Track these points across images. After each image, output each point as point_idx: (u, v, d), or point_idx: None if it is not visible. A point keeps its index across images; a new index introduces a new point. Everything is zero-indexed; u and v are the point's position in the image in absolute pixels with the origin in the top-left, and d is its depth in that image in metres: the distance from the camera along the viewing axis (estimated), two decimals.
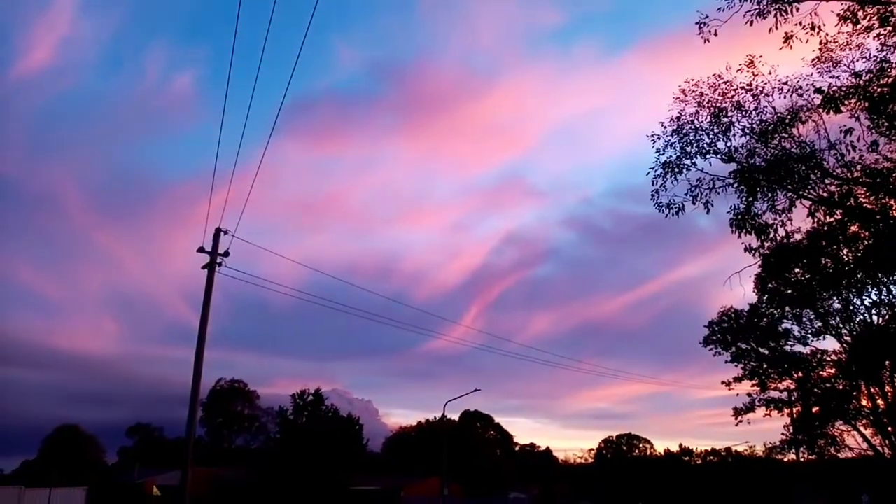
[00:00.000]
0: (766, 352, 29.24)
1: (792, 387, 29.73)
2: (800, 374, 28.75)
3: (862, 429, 27.53)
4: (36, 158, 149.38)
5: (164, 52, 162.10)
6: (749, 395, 30.54)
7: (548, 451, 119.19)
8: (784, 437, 31.75)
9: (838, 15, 13.84)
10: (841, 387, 27.81)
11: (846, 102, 14.94)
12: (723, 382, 31.29)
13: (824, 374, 28.59)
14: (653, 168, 16.16)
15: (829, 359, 27.64)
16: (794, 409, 30.80)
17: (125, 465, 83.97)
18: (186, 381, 21.56)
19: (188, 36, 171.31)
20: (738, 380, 30.54)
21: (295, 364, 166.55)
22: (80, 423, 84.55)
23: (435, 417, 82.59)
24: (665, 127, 16.21)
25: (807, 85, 15.40)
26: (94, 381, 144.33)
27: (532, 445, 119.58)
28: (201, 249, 22.15)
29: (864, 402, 26.98)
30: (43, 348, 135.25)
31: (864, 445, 27.71)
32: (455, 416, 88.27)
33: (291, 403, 59.70)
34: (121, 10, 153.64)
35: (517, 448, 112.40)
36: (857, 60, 14.84)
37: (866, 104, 14.67)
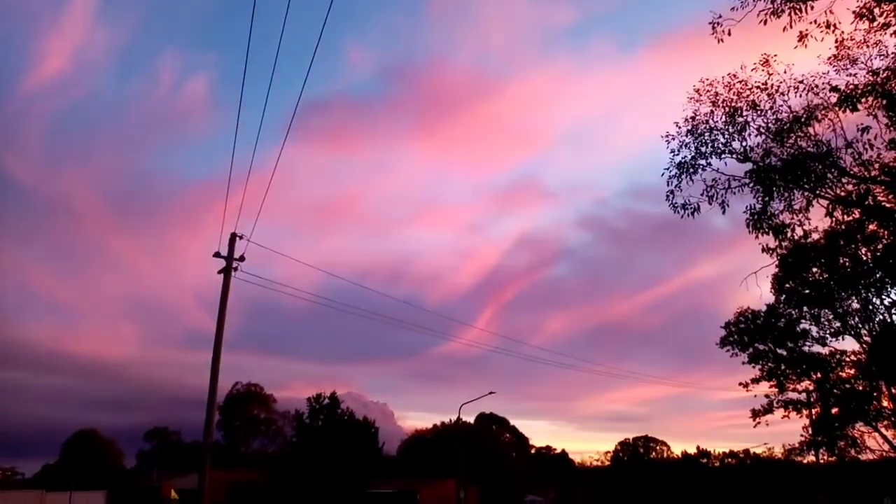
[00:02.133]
0: (784, 352, 28.96)
1: (811, 388, 29.43)
2: (818, 375, 28.45)
3: (883, 430, 27.21)
4: (52, 166, 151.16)
5: (178, 58, 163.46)
6: (767, 396, 30.30)
7: (564, 453, 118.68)
8: (803, 439, 31.46)
9: (854, 12, 13.70)
10: (861, 387, 27.51)
11: (863, 100, 14.81)
12: (740, 384, 31.06)
13: (844, 374, 28.29)
14: (667, 168, 16.10)
15: (848, 359, 27.36)
16: (814, 411, 30.48)
17: (143, 469, 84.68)
18: (203, 385, 21.76)
19: (200, 41, 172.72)
20: (755, 381, 30.30)
21: (310, 367, 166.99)
22: (99, 427, 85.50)
23: (450, 420, 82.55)
24: (680, 127, 16.15)
25: (823, 83, 15.28)
26: (111, 385, 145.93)
27: (548, 448, 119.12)
28: (217, 254, 22.34)
29: (885, 403, 26.66)
30: (61, 353, 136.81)
31: (886, 447, 27.39)
32: (471, 419, 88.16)
33: (307, 407, 59.91)
34: (134, 16, 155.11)
35: (533, 451, 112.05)
36: (875, 58, 14.70)
37: (884, 102, 14.53)
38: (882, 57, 14.57)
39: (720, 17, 13.70)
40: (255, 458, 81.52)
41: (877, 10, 13.79)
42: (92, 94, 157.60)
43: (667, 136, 16.24)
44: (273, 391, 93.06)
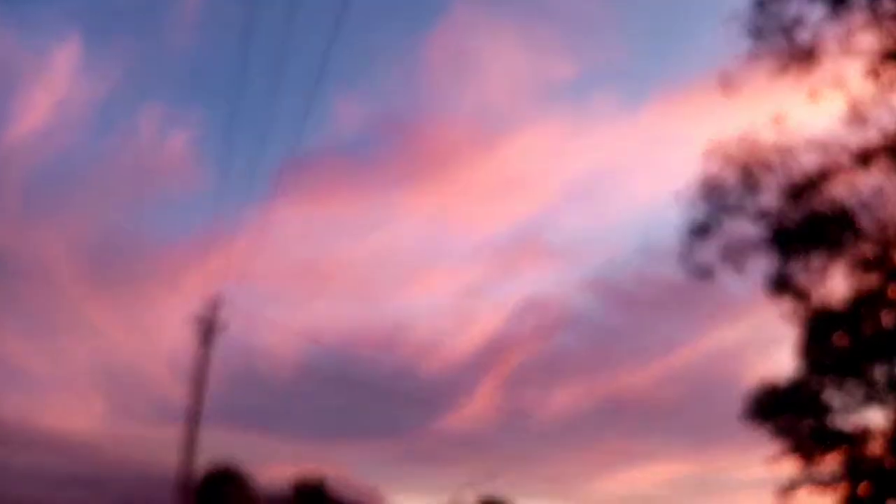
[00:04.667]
0: (810, 426, 27.84)
1: (838, 464, 28.12)
2: (846, 450, 27.21)
3: None
4: (27, 225, 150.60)
5: (159, 112, 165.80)
6: (792, 473, 28.99)
7: None
8: None
9: (863, 71, 13.70)
10: (890, 465, 26.24)
11: (876, 160, 14.63)
12: (764, 460, 29.80)
13: (871, 449, 27.06)
14: (679, 230, 15.82)
15: (876, 432, 26.21)
16: (841, 487, 29.04)
17: None
18: (176, 463, 20.55)
19: (183, 96, 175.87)
20: (778, 457, 29.09)
21: (295, 444, 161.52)
22: None
23: None
24: (691, 187, 15.96)
25: (835, 143, 15.13)
26: (80, 463, 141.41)
27: None
28: (196, 319, 21.64)
29: None
30: (28, 428, 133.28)
31: None
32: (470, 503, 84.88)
33: (293, 493, 58.05)
34: (118, 69, 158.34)
35: None
36: (885, 117, 14.60)
37: None
38: (892, 117, 14.46)
39: (728, 73, 13.71)
40: None
41: (880, 69, 13.79)
42: (70, 148, 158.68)
43: (677, 196, 16.05)
44: (254, 470, 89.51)
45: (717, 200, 15.65)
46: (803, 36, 13.40)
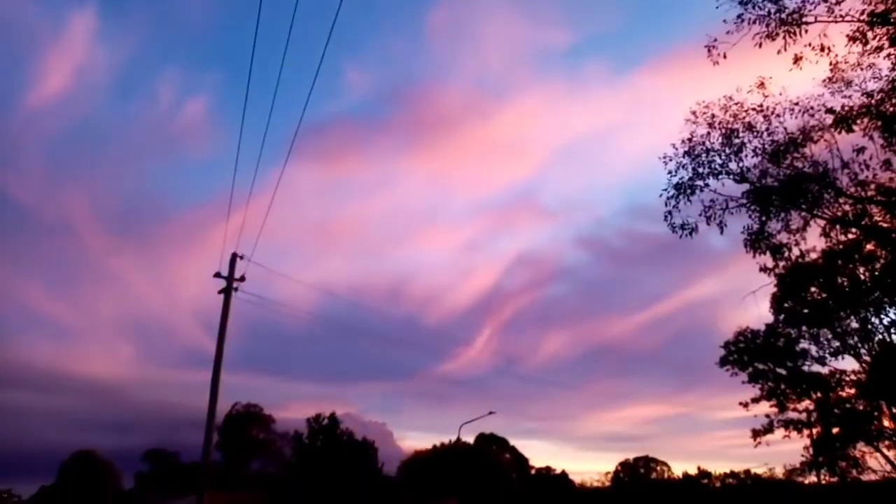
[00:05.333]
0: (784, 372, 28.87)
1: (811, 407, 29.30)
2: (819, 395, 28.35)
3: (885, 450, 27.05)
4: (51, 185, 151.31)
5: (177, 78, 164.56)
6: (767, 416, 30.17)
7: (564, 474, 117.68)
8: (804, 460, 31.26)
9: (848, 35, 13.93)
10: (861, 407, 27.38)
11: (858, 122, 14.99)
12: (740, 403, 30.92)
13: (844, 394, 28.17)
14: (665, 189, 16.25)
15: (848, 379, 27.27)
16: (814, 431, 30.31)
17: (142, 491, 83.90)
18: (202, 406, 21.69)
19: (200, 61, 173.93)
20: (755, 400, 30.16)
21: (309, 388, 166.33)
22: (97, 448, 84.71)
23: (450, 441, 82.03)
24: (677, 149, 16.33)
25: (818, 105, 15.49)
26: (110, 406, 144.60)
27: (548, 468, 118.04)
28: (218, 274, 22.43)
29: (886, 423, 26.54)
30: (58, 374, 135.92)
31: (888, 468, 27.22)
32: (470, 439, 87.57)
33: (307, 428, 59.68)
34: (134, 35, 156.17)
35: (533, 471, 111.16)
36: (869, 80, 14.89)
37: (879, 123, 14.71)
38: (876, 79, 14.76)
39: (716, 40, 13.93)
40: (254, 479, 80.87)
41: (870, 34, 14.01)
42: (91, 113, 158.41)
43: (664, 157, 16.42)
44: (272, 411, 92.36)
45: (701, 161, 16.02)
46: (791, 2, 13.56)
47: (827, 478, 32.66)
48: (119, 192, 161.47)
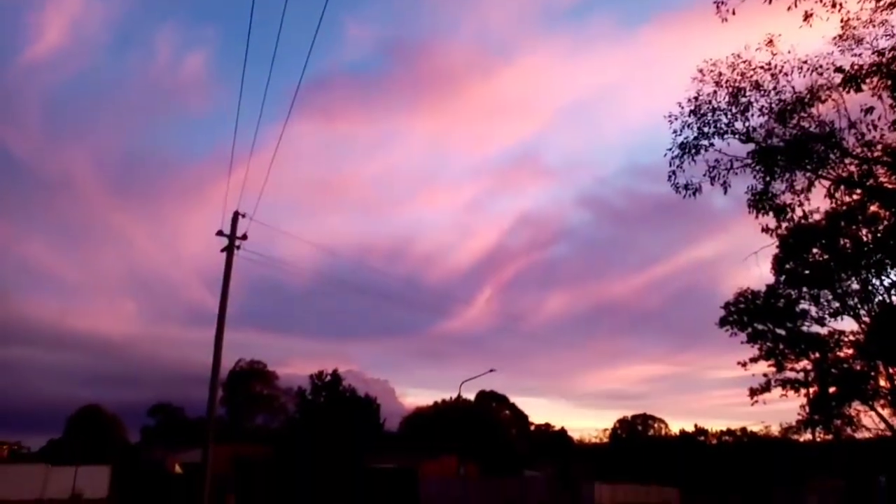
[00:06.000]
0: (783, 332, 29.11)
1: (809, 367, 29.63)
2: (817, 355, 28.64)
3: (879, 409, 27.43)
4: (51, 141, 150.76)
5: (175, 33, 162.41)
6: (765, 375, 30.51)
7: (563, 430, 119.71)
8: (800, 418, 31.69)
9: None
10: (858, 367, 27.68)
11: (868, 81, 14.76)
12: (739, 363, 31.24)
13: (842, 354, 28.43)
14: (670, 149, 16.12)
15: (846, 339, 27.51)
16: (811, 390, 30.69)
17: (148, 444, 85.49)
18: (206, 362, 22.02)
19: (198, 16, 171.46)
20: (754, 360, 30.47)
21: (312, 345, 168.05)
22: (103, 403, 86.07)
23: (451, 397, 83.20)
24: (682, 107, 16.14)
25: (827, 63, 15.22)
26: (115, 361, 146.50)
27: (547, 425, 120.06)
28: (220, 233, 22.46)
29: (881, 383, 26.85)
30: (64, 330, 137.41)
31: (882, 426, 27.65)
32: (471, 396, 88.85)
33: (310, 384, 60.48)
34: None
35: (532, 428, 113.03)
36: (881, 38, 14.61)
37: (889, 82, 14.48)
38: (888, 37, 14.48)
39: None
40: (258, 434, 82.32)
41: None
42: (89, 68, 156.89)
43: (669, 116, 16.24)
44: (275, 368, 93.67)
45: (706, 120, 15.86)
46: None
47: (822, 435, 33.20)
48: (119, 148, 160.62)
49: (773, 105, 15.75)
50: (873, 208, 19.09)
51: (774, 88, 15.65)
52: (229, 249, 22.23)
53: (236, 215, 22.32)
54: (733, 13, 13.75)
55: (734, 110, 15.84)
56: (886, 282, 24.35)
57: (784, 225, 17.30)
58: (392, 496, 54.73)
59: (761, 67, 15.57)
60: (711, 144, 15.91)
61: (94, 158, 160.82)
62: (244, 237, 22.54)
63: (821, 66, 15.28)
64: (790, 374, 29.64)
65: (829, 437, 31.44)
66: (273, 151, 19.96)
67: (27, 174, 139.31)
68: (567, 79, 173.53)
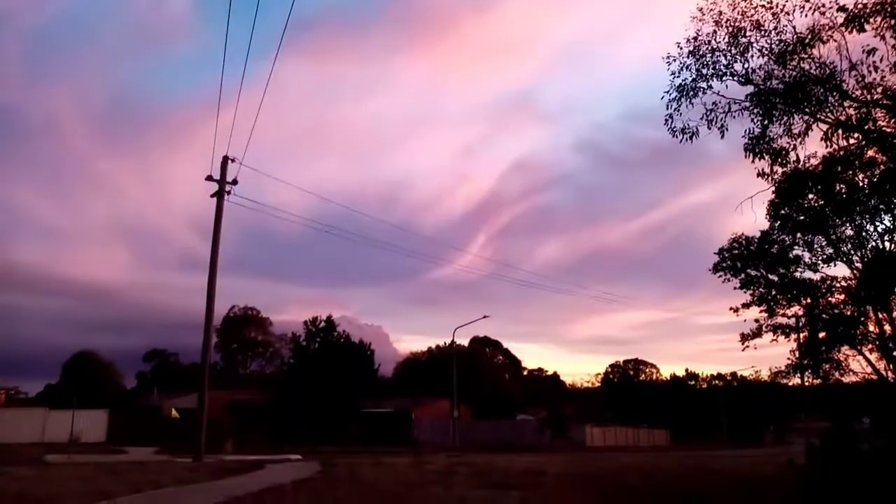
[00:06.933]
0: (776, 278, 29.12)
1: (800, 313, 29.77)
2: (808, 301, 28.72)
3: (867, 353, 27.72)
4: (32, 84, 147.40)
5: None
6: (756, 321, 30.66)
7: (555, 375, 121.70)
8: (790, 362, 31.98)
9: None
10: (849, 312, 27.84)
11: (871, 20, 14.37)
12: (731, 308, 31.34)
13: (833, 300, 28.55)
14: (667, 91, 15.77)
15: (838, 285, 27.57)
16: (801, 335, 30.92)
17: (143, 389, 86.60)
18: (200, 308, 21.96)
19: None
20: (746, 306, 30.55)
21: (305, 291, 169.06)
22: (98, 349, 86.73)
23: (445, 343, 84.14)
24: (681, 48, 15.73)
25: (830, 2, 14.76)
26: (108, 308, 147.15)
27: (540, 370, 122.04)
28: (210, 178, 22.12)
29: (871, 328, 27.03)
30: (55, 277, 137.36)
31: (869, 370, 28.00)
32: (465, 342, 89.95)
33: (304, 330, 60.84)
34: None
35: (525, 373, 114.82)
36: None
37: (892, 22, 14.10)
38: None
39: None
40: (253, 379, 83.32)
41: None
42: (69, 8, 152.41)
43: (668, 57, 15.85)
44: (269, 314, 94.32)
45: (705, 61, 15.48)
46: None
47: (810, 380, 33.63)
48: (103, 91, 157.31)
49: (774, 46, 15.35)
50: (871, 153, 18.87)
51: (775, 28, 15.22)
52: (219, 195, 21.98)
53: (225, 160, 21.99)
54: None
55: (734, 51, 15.45)
56: (881, 227, 24.28)
57: (780, 170, 17.15)
58: (388, 438, 55.82)
59: (762, 6, 15.11)
60: (710, 87, 15.57)
61: (79, 103, 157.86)
62: (234, 182, 22.25)
63: (823, 6, 14.82)
64: (781, 320, 29.75)
65: (818, 381, 31.81)
66: (261, 94, 19.47)
67: (9, 119, 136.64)
68: (563, 20, 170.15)
